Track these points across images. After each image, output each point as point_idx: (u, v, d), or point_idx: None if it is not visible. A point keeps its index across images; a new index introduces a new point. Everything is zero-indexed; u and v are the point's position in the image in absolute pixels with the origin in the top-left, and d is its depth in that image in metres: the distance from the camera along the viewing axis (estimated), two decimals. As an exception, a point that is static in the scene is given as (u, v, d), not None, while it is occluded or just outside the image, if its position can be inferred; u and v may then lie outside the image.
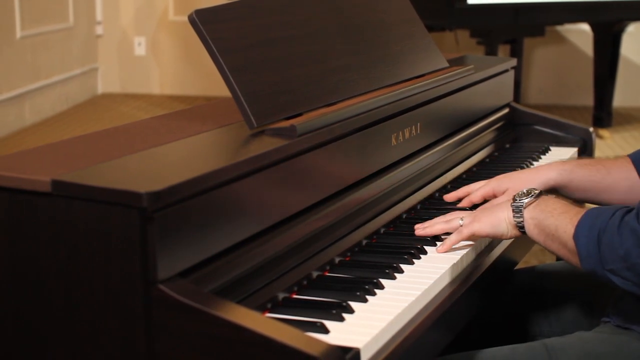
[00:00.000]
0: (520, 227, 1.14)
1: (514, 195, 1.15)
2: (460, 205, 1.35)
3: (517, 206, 1.14)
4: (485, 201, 1.34)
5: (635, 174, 1.29)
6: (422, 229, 1.22)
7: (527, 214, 1.13)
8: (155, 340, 0.87)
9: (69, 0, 4.96)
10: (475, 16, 3.57)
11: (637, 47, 4.96)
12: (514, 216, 1.14)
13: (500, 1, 3.59)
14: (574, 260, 1.07)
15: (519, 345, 1.16)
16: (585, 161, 1.36)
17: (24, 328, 0.93)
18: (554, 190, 1.34)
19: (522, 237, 1.18)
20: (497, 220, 1.16)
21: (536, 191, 1.15)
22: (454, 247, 1.18)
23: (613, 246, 1.00)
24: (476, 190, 1.35)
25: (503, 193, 1.32)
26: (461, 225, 1.18)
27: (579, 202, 1.37)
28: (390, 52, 1.46)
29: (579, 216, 1.06)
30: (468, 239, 1.18)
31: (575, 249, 1.05)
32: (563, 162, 1.37)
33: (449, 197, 1.38)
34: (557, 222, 1.09)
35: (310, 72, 1.25)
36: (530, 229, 1.13)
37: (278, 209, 1.05)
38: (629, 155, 1.33)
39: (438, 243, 1.20)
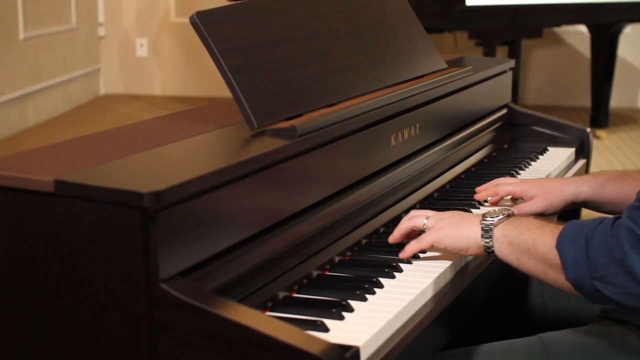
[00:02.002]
0: (488, 247, 1.08)
1: (484, 214, 1.10)
2: (482, 194, 1.34)
3: (486, 224, 1.08)
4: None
5: None
6: (392, 236, 1.17)
7: (499, 231, 1.07)
8: (157, 339, 0.87)
9: (71, 2, 4.97)
10: (473, 18, 3.58)
11: (634, 48, 4.98)
12: (482, 235, 1.08)
13: (498, 3, 3.60)
14: (552, 275, 1.01)
15: (516, 340, 1.16)
16: (615, 174, 1.32)
17: (26, 327, 0.94)
18: (582, 203, 1.31)
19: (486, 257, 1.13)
20: (460, 234, 1.10)
21: (508, 211, 1.09)
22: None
23: (607, 250, 0.95)
24: (506, 184, 1.33)
25: (530, 198, 1.30)
26: (425, 225, 1.13)
27: (607, 214, 1.36)
28: (389, 53, 1.47)
29: (559, 228, 1.01)
30: (427, 247, 1.13)
31: (557, 260, 0.99)
32: (594, 175, 1.34)
33: (480, 195, 1.36)
34: (534, 236, 1.03)
35: (311, 73, 1.25)
36: (502, 248, 1.06)
37: (278, 208, 1.06)
38: None
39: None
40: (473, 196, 1.40)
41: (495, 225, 1.08)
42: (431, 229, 1.13)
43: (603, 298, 0.98)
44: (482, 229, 1.08)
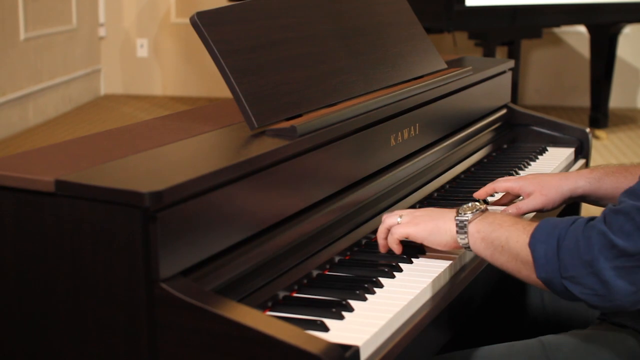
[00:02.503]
0: (464, 242, 1.08)
1: (458, 209, 1.10)
2: (480, 191, 1.35)
3: (461, 220, 1.08)
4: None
5: None
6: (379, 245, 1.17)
7: (473, 227, 1.07)
8: (158, 338, 0.87)
9: (72, 2, 4.98)
10: (473, 18, 3.58)
11: (633, 48, 4.98)
12: (457, 231, 1.08)
13: (497, 3, 3.61)
14: (525, 272, 1.01)
15: (515, 342, 1.16)
16: (612, 168, 1.33)
17: (28, 326, 0.94)
18: (580, 198, 1.31)
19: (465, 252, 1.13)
20: (436, 228, 1.10)
21: (481, 206, 1.09)
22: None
23: (577, 251, 0.96)
24: (504, 180, 1.34)
25: (528, 195, 1.30)
26: (399, 223, 1.12)
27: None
28: (389, 54, 1.47)
29: (533, 226, 1.02)
30: (399, 239, 1.12)
31: (529, 258, 1.00)
32: (591, 169, 1.34)
33: (479, 193, 1.36)
34: (507, 233, 1.04)
35: (311, 73, 1.26)
36: (477, 243, 1.07)
37: (279, 208, 1.06)
38: None
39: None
40: (472, 195, 1.40)
41: (469, 222, 1.08)
42: (407, 223, 1.12)
43: (572, 297, 0.99)
44: (457, 224, 1.09)
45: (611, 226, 0.95)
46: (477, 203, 1.11)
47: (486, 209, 1.10)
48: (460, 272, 1.16)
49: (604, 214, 0.98)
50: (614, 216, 0.96)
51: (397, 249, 1.13)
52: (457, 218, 1.09)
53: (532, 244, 1.00)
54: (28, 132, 4.41)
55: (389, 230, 1.14)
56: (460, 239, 1.09)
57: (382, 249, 1.16)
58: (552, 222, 1.01)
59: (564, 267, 0.97)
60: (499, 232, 1.05)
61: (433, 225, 1.11)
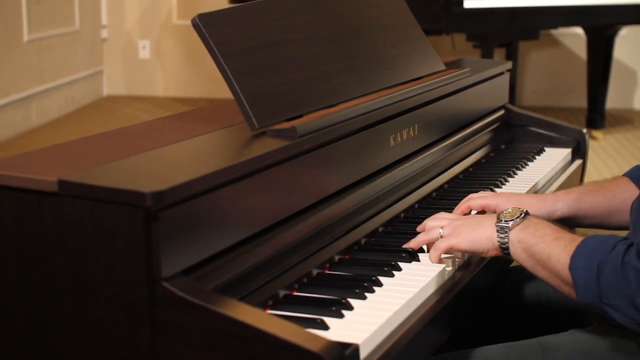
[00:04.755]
0: (504, 248, 1.10)
1: (499, 215, 1.11)
2: (457, 209, 1.30)
3: (502, 227, 1.09)
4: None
5: (637, 191, 1.25)
6: (408, 245, 1.18)
7: (514, 236, 1.08)
8: (159, 336, 0.88)
9: (75, 4, 4.99)
10: (471, 20, 3.60)
11: (630, 50, 5.00)
12: (497, 237, 1.09)
13: (496, 5, 3.62)
14: (567, 290, 1.03)
15: (514, 343, 1.17)
16: (589, 187, 1.31)
17: (30, 325, 0.94)
18: (560, 220, 1.29)
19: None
20: (477, 237, 1.11)
21: (522, 212, 1.10)
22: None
23: (618, 285, 0.97)
24: (479, 197, 1.30)
25: None
26: (441, 235, 1.14)
27: (586, 227, 1.34)
28: (388, 55, 1.48)
29: (574, 244, 1.02)
30: (445, 252, 1.14)
31: (570, 279, 1.01)
32: (567, 191, 1.32)
33: (456, 211, 1.31)
34: (549, 250, 1.04)
35: (311, 74, 1.26)
36: (518, 253, 1.08)
37: (279, 208, 1.06)
38: (626, 174, 1.30)
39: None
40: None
41: (510, 229, 1.09)
42: (449, 236, 1.14)
43: (614, 320, 1.00)
44: (498, 231, 1.10)
45: None
46: (518, 208, 1.11)
47: (527, 213, 1.10)
48: (460, 271, 1.17)
49: (638, 247, 0.98)
50: None
51: (438, 261, 1.14)
52: (497, 225, 1.10)
53: (573, 267, 1.01)
54: (31, 132, 4.42)
55: (427, 242, 1.16)
56: (502, 245, 1.09)
57: (414, 246, 1.17)
58: (592, 245, 1.01)
59: (604, 294, 0.99)
60: (540, 247, 1.06)
61: (474, 234, 1.12)
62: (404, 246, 1.19)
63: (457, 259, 1.17)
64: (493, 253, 1.12)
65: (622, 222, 1.30)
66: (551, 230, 1.07)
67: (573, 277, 1.01)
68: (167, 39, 5.46)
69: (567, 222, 1.32)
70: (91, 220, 0.89)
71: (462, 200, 1.32)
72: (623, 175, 1.32)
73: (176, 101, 5.36)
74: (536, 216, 1.14)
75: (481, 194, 1.33)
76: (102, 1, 5.39)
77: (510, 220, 1.09)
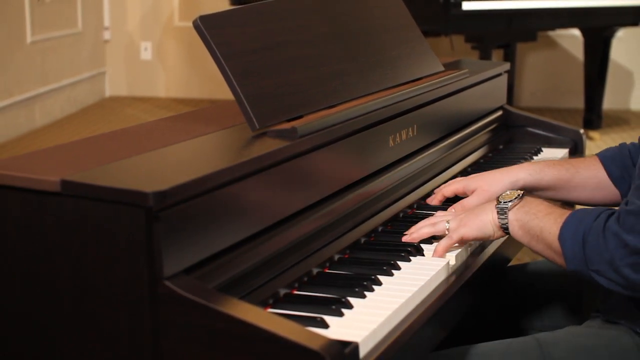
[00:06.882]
0: (505, 228, 1.16)
1: (498, 197, 1.18)
2: (432, 199, 1.39)
3: (501, 208, 1.16)
4: (456, 198, 1.37)
5: (603, 172, 1.32)
6: (409, 235, 1.22)
7: (512, 215, 1.15)
8: (161, 335, 0.88)
9: (77, 6, 5.00)
10: (469, 22, 3.61)
11: (626, 51, 5.01)
12: (498, 218, 1.16)
13: (494, 7, 3.64)
14: (559, 260, 1.09)
15: (512, 340, 1.18)
16: (555, 161, 1.38)
17: (32, 325, 0.95)
18: (523, 189, 1.33)
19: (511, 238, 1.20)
20: (482, 223, 1.17)
21: (520, 193, 1.17)
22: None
23: (598, 249, 1.03)
24: (449, 184, 1.38)
25: (472, 192, 1.34)
26: (447, 229, 1.19)
27: (549, 200, 1.39)
28: (387, 56, 1.49)
29: (564, 217, 1.08)
30: (457, 243, 1.19)
31: (560, 250, 1.07)
32: (533, 162, 1.38)
33: (432, 201, 1.40)
34: (542, 224, 1.11)
35: (311, 75, 1.27)
36: (515, 231, 1.15)
37: (279, 207, 1.07)
38: (598, 154, 1.35)
39: (434, 242, 1.22)
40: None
41: (509, 209, 1.15)
42: (457, 227, 1.18)
43: (601, 286, 1.05)
44: (498, 212, 1.16)
45: (624, 226, 1.01)
46: (515, 190, 1.18)
47: (524, 194, 1.17)
48: (459, 270, 1.18)
49: (618, 212, 1.04)
50: (627, 217, 1.02)
51: (440, 254, 1.17)
52: (497, 206, 1.17)
53: (561, 238, 1.07)
54: (34, 132, 4.43)
55: (431, 234, 1.21)
56: (502, 226, 1.16)
57: (407, 239, 1.21)
58: (578, 217, 1.07)
59: (590, 261, 1.04)
60: (534, 223, 1.12)
61: (479, 220, 1.18)
62: (404, 238, 1.22)
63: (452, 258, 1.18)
64: (499, 234, 1.18)
65: (581, 197, 1.35)
66: (544, 206, 1.14)
67: (562, 247, 1.07)
68: (168, 40, 5.47)
69: (530, 193, 1.35)
70: (93, 220, 0.89)
71: (435, 191, 1.40)
72: (595, 154, 1.36)
73: (177, 102, 5.37)
74: (531, 195, 1.21)
75: (450, 182, 1.40)
76: (105, 3, 5.40)
77: (509, 202, 1.16)
